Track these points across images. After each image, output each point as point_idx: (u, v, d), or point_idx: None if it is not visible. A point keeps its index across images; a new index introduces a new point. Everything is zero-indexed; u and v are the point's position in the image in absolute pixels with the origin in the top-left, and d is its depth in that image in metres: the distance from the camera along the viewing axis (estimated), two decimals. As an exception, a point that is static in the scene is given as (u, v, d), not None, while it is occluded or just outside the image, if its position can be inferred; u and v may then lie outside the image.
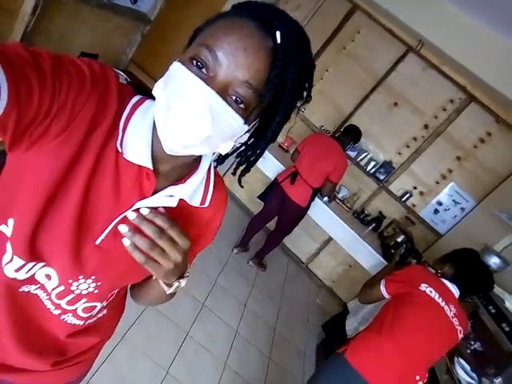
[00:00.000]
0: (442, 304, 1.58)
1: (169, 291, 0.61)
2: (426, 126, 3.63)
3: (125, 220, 0.57)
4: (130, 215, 0.50)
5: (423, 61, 3.50)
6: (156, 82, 0.53)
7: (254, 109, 0.52)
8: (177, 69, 0.50)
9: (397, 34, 3.53)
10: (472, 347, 2.12)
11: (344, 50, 3.77)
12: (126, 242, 0.50)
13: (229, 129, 0.51)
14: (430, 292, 1.59)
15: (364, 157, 3.83)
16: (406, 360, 1.48)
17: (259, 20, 0.49)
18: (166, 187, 0.59)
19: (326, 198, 3.45)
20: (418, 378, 1.49)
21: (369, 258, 3.46)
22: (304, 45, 0.54)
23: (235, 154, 0.63)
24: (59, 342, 0.69)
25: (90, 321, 0.70)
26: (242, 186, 0.68)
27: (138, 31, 2.39)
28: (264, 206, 3.24)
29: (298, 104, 0.59)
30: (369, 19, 3.61)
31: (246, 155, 0.62)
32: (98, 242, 0.57)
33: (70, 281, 0.60)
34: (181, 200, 0.61)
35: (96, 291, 0.63)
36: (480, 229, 3.25)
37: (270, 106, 0.55)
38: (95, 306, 0.67)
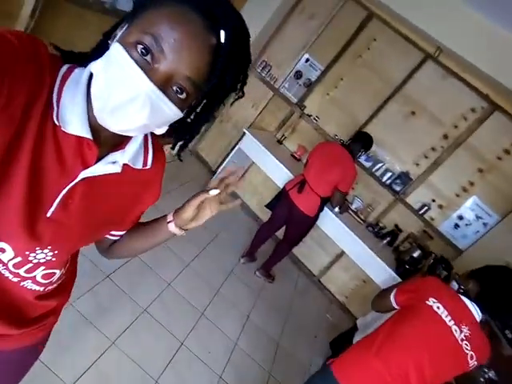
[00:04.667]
0: (450, 324, 1.43)
1: (182, 233, 0.76)
2: (445, 136, 3.46)
3: (71, 191, 0.59)
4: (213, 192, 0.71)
5: (442, 68, 3.35)
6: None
7: (194, 99, 0.57)
8: (118, 53, 0.49)
9: (414, 41, 3.41)
10: (486, 375, 1.92)
11: (359, 58, 3.68)
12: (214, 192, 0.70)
13: (165, 118, 0.55)
14: (438, 308, 1.45)
15: (379, 167, 3.68)
16: (397, 378, 1.35)
17: (205, 15, 0.51)
18: (106, 154, 0.61)
19: (336, 209, 3.33)
20: None
21: (381, 273, 3.28)
22: (245, 43, 0.57)
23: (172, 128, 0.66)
24: (20, 305, 0.70)
25: (49, 287, 0.73)
26: (181, 160, 0.73)
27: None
28: (271, 215, 3.16)
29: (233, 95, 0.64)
30: (385, 26, 3.52)
31: (183, 133, 0.66)
32: (49, 215, 0.59)
33: (27, 252, 0.62)
34: (125, 165, 0.64)
35: (54, 259, 0.66)
36: (502, 245, 3.02)
37: (207, 94, 0.59)
38: (54, 273, 0.70)
